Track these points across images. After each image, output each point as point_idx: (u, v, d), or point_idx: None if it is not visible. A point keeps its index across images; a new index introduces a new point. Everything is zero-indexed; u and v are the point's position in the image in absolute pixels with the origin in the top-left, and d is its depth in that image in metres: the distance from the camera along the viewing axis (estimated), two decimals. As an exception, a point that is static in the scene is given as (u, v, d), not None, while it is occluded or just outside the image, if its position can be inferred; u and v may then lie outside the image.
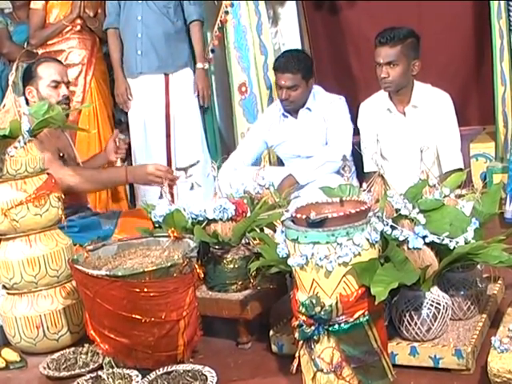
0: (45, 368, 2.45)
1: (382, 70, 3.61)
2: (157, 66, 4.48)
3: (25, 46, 4.76)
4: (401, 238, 2.12)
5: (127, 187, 4.76)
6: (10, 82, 2.74)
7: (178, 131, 4.53)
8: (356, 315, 1.93)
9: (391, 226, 2.10)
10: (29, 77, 3.59)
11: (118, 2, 4.52)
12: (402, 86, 3.68)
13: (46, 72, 3.54)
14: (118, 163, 3.96)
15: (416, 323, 2.22)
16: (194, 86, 4.51)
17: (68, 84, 3.65)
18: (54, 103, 3.43)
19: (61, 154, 3.53)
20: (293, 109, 4.07)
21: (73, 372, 2.38)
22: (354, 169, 4.06)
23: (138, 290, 2.19)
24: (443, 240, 2.18)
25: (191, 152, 4.53)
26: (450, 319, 2.31)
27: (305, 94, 4.05)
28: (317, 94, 4.11)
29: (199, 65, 4.51)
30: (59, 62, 3.77)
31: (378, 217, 2.00)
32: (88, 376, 2.28)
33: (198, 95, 4.56)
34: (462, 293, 2.40)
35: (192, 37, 4.52)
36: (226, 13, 4.57)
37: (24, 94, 3.59)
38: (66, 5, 4.61)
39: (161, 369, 2.23)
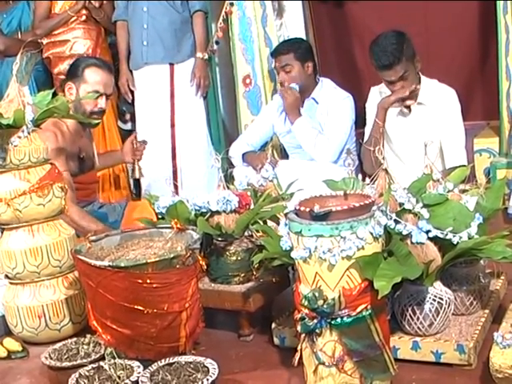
0: (46, 358, 2.45)
1: (396, 85, 3.58)
2: (162, 56, 4.51)
3: (19, 35, 4.72)
4: (404, 233, 2.12)
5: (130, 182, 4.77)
6: (14, 72, 2.72)
7: (183, 121, 4.55)
8: (359, 309, 1.92)
9: (395, 220, 2.09)
10: (74, 73, 3.51)
11: None
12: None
13: (93, 78, 3.47)
14: (136, 173, 3.91)
15: (418, 318, 2.22)
16: (192, 75, 4.52)
17: (109, 96, 3.58)
18: (88, 111, 3.43)
19: (81, 156, 3.50)
20: None
21: (74, 362, 2.37)
22: (357, 162, 4.05)
23: (140, 281, 2.19)
24: (447, 235, 2.17)
25: (195, 142, 4.56)
26: (453, 314, 2.31)
27: (302, 78, 4.04)
28: (325, 86, 4.10)
29: (199, 54, 4.53)
30: (109, 69, 3.63)
31: (381, 211, 2.00)
32: (90, 366, 2.27)
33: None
34: (464, 288, 2.40)
35: (194, 27, 4.55)
36: (231, 4, 4.57)
37: (63, 86, 3.52)
38: (72, -5, 4.61)
39: (162, 360, 2.22)
